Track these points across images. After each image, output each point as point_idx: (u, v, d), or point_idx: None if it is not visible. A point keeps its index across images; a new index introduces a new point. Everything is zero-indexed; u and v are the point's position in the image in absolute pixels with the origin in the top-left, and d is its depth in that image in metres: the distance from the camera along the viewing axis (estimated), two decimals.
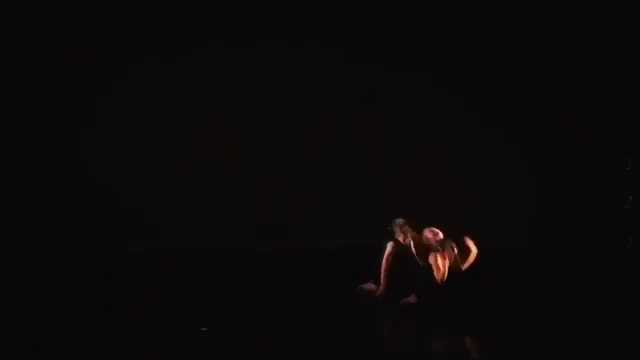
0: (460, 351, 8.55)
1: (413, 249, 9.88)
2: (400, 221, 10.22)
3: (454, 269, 9.68)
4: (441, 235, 9.87)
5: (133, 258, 12.20)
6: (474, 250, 9.74)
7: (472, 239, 9.78)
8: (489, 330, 9.09)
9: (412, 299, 9.99)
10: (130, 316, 9.52)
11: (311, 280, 11.10)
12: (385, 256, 10.15)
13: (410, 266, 9.88)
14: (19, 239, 12.38)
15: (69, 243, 12.49)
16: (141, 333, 8.93)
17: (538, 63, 13.19)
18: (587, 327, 9.06)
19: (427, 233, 9.88)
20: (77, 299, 10.23)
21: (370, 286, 10.36)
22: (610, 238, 12.48)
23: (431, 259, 9.69)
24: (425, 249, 9.83)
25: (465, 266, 9.73)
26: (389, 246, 10.17)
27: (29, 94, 12.65)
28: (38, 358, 8.25)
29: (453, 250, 9.72)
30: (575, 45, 13.10)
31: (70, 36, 12.65)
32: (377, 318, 9.62)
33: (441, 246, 9.74)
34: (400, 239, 10.16)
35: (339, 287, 10.57)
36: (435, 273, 9.64)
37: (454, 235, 9.84)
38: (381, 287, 10.12)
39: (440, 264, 9.65)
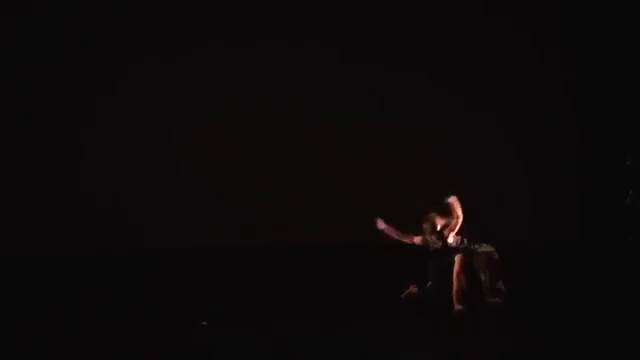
0: (460, 352, 8.54)
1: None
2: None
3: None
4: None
5: (133, 258, 12.17)
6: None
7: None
8: (489, 330, 9.09)
9: (413, 288, 9.97)
10: (130, 316, 9.52)
11: (310, 279, 11.09)
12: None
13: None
14: (19, 239, 12.35)
15: (68, 243, 12.46)
16: (141, 333, 8.93)
17: (538, 63, 13.14)
18: (586, 326, 9.06)
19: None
20: (77, 299, 10.24)
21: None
22: (610, 238, 12.46)
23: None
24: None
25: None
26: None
27: (29, 94, 12.61)
28: (38, 358, 8.25)
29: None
30: (575, 45, 13.05)
31: (70, 36, 12.60)
32: (377, 318, 9.59)
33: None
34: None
35: (339, 286, 10.58)
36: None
37: None
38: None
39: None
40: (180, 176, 12.79)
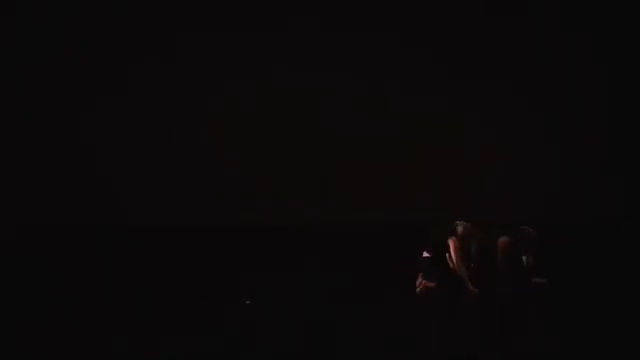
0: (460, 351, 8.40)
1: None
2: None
3: None
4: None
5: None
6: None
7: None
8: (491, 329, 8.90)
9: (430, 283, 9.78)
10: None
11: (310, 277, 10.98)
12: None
13: None
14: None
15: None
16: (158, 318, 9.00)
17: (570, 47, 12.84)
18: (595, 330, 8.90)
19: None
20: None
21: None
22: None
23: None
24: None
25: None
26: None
27: (29, 94, 12.57)
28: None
29: None
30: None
31: (70, 36, 12.55)
32: (378, 317, 9.46)
33: None
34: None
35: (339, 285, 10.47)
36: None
37: None
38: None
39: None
40: (184, 175, 12.70)
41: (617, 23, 12.71)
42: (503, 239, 9.39)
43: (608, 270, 10.50)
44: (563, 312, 8.99)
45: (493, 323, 8.74)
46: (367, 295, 9.82)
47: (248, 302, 9.04)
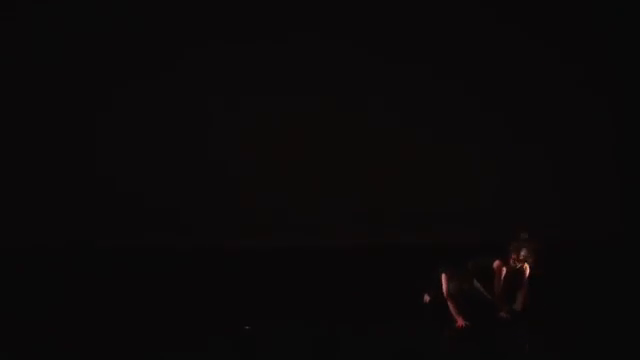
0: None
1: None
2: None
3: None
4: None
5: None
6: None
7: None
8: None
9: (427, 298, 9.77)
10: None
11: (312, 280, 10.94)
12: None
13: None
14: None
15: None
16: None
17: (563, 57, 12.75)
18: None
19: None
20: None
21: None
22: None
23: None
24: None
25: None
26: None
27: (30, 95, 12.54)
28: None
29: None
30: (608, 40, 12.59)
31: (72, 37, 12.49)
32: (378, 319, 9.40)
33: None
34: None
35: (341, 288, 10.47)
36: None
37: None
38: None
39: None
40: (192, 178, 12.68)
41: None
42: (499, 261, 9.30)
43: (609, 285, 10.46)
44: (561, 327, 8.97)
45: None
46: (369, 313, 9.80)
47: (247, 327, 9.08)
